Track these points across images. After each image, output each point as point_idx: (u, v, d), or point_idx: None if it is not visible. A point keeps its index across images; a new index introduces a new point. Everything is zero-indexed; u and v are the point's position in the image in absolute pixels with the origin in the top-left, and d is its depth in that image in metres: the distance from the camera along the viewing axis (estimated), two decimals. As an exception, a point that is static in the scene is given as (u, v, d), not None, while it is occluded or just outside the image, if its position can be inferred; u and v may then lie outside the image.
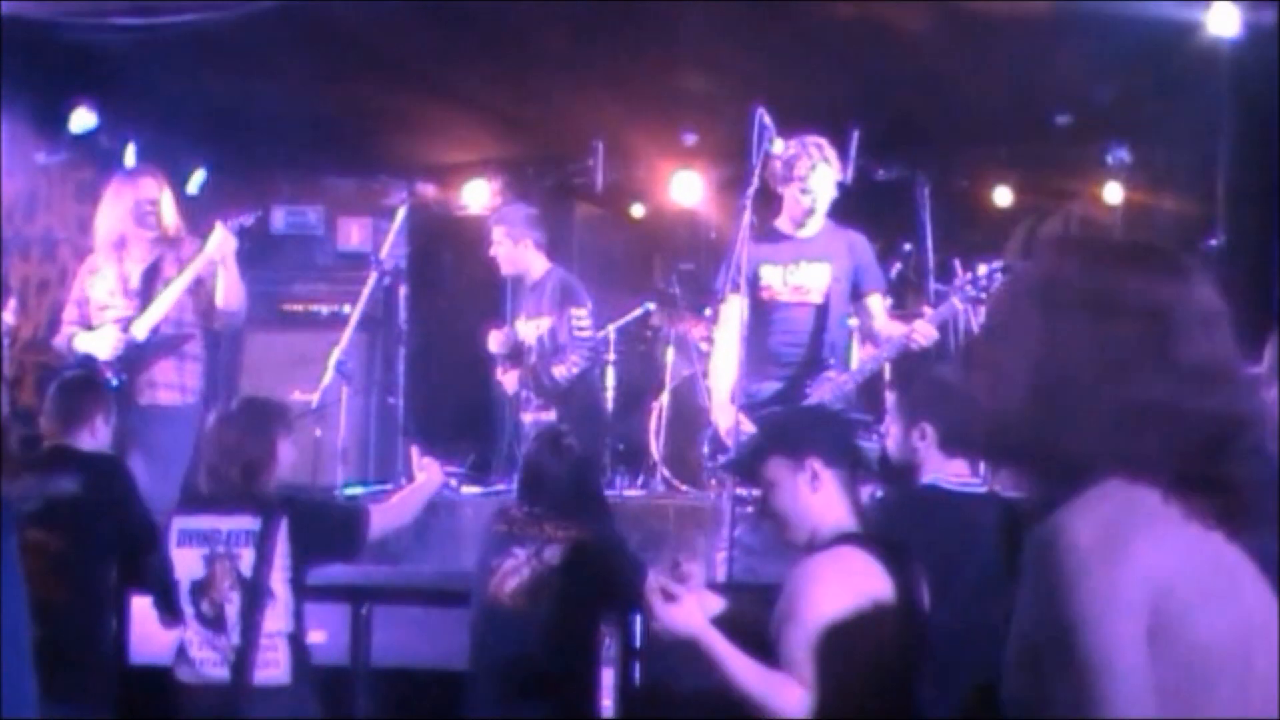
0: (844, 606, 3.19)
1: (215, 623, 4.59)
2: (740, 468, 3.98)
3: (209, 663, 4.59)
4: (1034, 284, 1.89)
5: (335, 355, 6.84)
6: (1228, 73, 6.63)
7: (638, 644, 5.27)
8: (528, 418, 7.14)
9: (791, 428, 3.65)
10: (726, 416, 5.73)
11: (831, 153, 5.99)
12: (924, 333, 5.83)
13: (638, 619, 5.18)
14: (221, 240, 6.51)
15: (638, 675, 5.28)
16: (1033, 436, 1.83)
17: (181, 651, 4.67)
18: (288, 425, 4.86)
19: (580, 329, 7.13)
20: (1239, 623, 1.75)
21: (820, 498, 3.39)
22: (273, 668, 4.57)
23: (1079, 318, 1.81)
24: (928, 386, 3.99)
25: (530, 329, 7.17)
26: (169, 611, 4.79)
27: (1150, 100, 7.53)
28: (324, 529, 4.82)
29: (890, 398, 4.06)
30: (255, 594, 4.54)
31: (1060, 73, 7.36)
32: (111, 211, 6.73)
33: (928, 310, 6.39)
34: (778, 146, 5.83)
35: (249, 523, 4.61)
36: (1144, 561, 1.69)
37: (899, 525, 3.88)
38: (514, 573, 4.71)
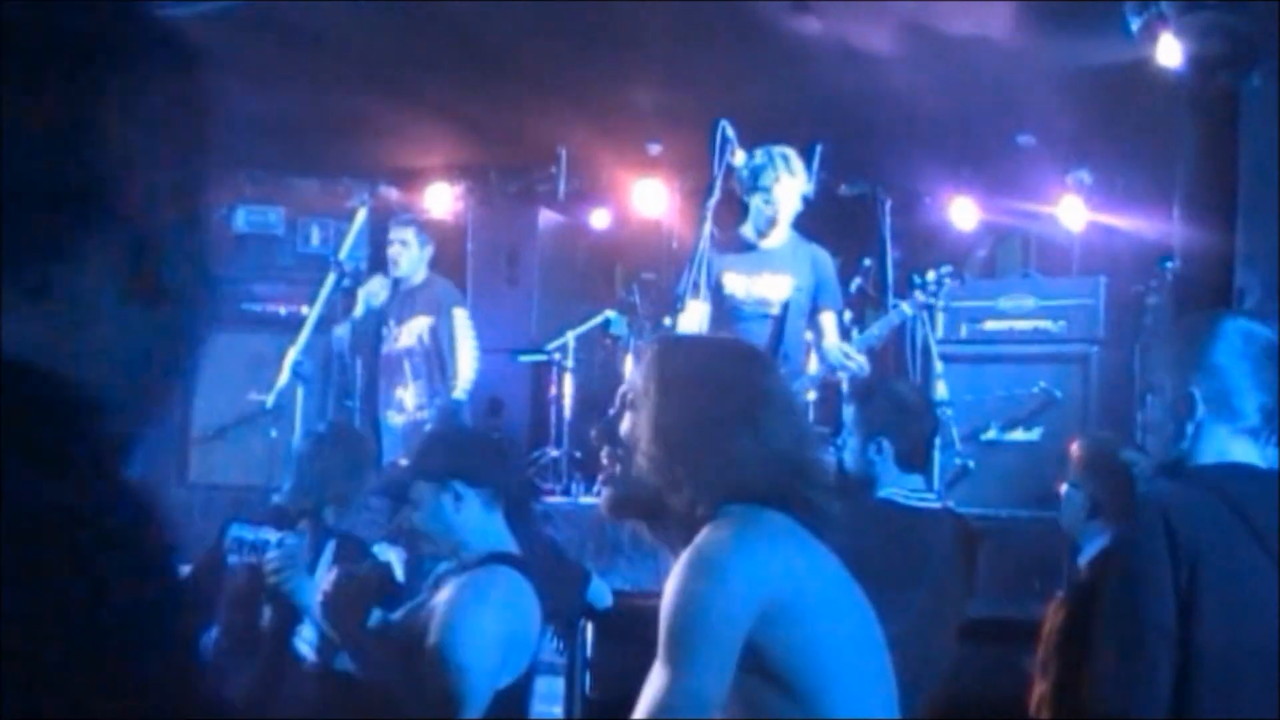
0: (482, 624, 3.34)
1: None
2: (391, 490, 4.08)
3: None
4: (654, 374, 2.35)
5: (292, 356, 6.80)
6: (1182, 98, 6.69)
7: (588, 653, 5.26)
8: (398, 418, 7.14)
9: (435, 450, 3.81)
10: None
11: (798, 164, 6.00)
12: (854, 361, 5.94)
13: (588, 628, 5.17)
14: None
15: (588, 685, 5.27)
16: (668, 489, 2.27)
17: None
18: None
19: (467, 330, 7.28)
20: (854, 619, 2.27)
21: (464, 518, 3.52)
22: None
23: (695, 398, 2.32)
24: (886, 401, 4.03)
25: (408, 331, 7.23)
26: None
27: (1111, 122, 7.59)
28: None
29: (848, 411, 4.08)
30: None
31: (1022, 93, 7.41)
32: None
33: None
34: (739, 158, 5.86)
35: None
36: (759, 572, 2.15)
37: (852, 538, 3.89)
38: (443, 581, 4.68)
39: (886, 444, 3.88)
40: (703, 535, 2.19)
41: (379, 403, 7.28)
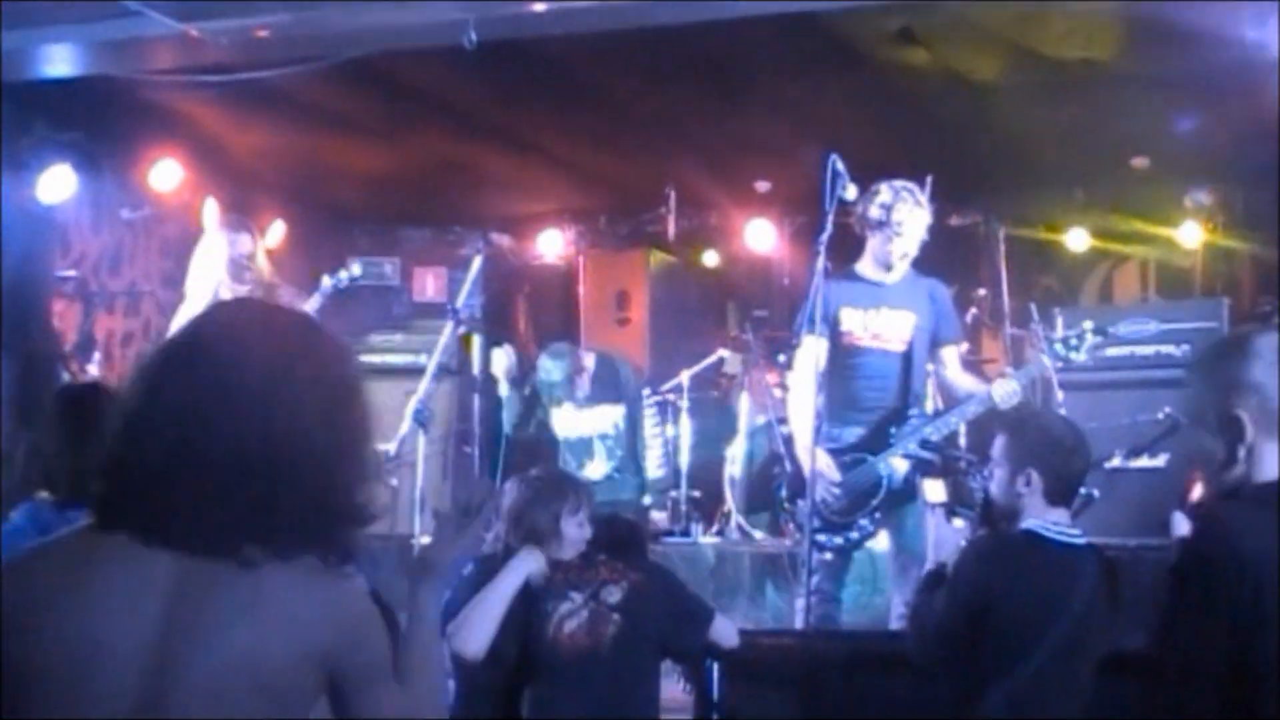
0: None
1: None
2: None
3: None
4: None
5: (412, 404, 6.88)
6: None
7: (715, 692, 5.22)
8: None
9: None
10: (808, 459, 5.68)
11: (923, 197, 5.95)
12: (1006, 393, 5.76)
13: (715, 667, 5.14)
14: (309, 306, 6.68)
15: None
16: None
17: None
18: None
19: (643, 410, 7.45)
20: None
21: None
22: None
23: None
24: (1038, 433, 3.97)
25: (597, 417, 7.35)
26: None
27: (1228, 140, 7.45)
28: None
29: (998, 441, 4.02)
30: None
31: (1135, 116, 7.31)
32: (207, 265, 6.87)
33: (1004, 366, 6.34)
34: (851, 192, 5.81)
35: None
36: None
37: (993, 569, 3.85)
38: (571, 616, 4.66)
39: (1035, 476, 3.83)
40: None
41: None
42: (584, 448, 7.35)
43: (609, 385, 7.40)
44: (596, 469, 7.29)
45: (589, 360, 7.41)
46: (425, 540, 6.24)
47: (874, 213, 5.86)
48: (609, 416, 7.35)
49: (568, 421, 7.39)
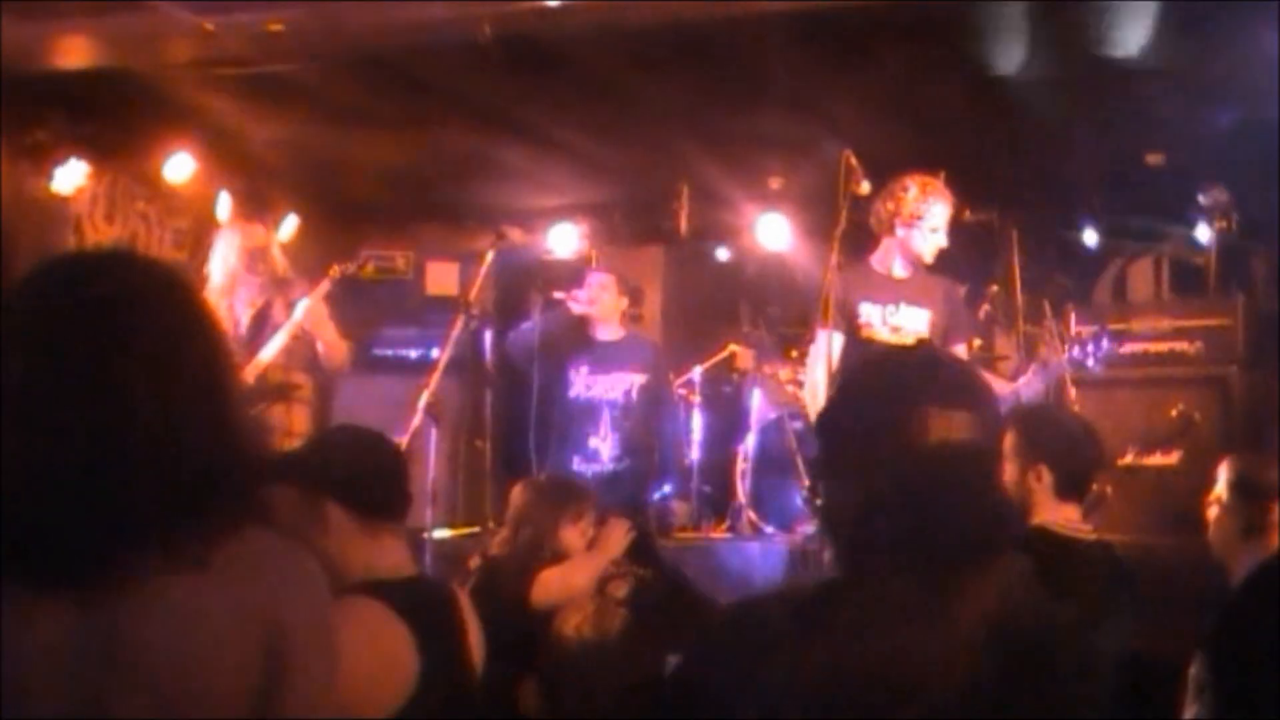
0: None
1: None
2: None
3: None
4: None
5: (425, 398, 6.89)
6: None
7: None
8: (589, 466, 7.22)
9: (302, 463, 3.18)
10: None
11: (943, 188, 5.95)
12: (1031, 392, 5.79)
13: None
14: (308, 309, 6.65)
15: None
16: None
17: None
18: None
19: (674, 394, 7.48)
20: None
21: (334, 541, 3.05)
22: None
23: None
24: (1047, 428, 3.97)
25: (610, 383, 7.28)
26: None
27: (1244, 135, 7.42)
28: None
29: (1008, 436, 4.01)
30: None
31: (1149, 111, 7.28)
32: (224, 257, 6.89)
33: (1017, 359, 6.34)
34: (864, 188, 5.81)
35: None
36: None
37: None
38: (577, 609, 4.69)
39: (1045, 471, 3.82)
40: None
41: (565, 447, 7.31)
42: (591, 414, 7.27)
43: (633, 353, 7.37)
44: (601, 445, 7.23)
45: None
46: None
47: (908, 208, 5.84)
48: (622, 383, 7.28)
49: (581, 382, 7.33)
